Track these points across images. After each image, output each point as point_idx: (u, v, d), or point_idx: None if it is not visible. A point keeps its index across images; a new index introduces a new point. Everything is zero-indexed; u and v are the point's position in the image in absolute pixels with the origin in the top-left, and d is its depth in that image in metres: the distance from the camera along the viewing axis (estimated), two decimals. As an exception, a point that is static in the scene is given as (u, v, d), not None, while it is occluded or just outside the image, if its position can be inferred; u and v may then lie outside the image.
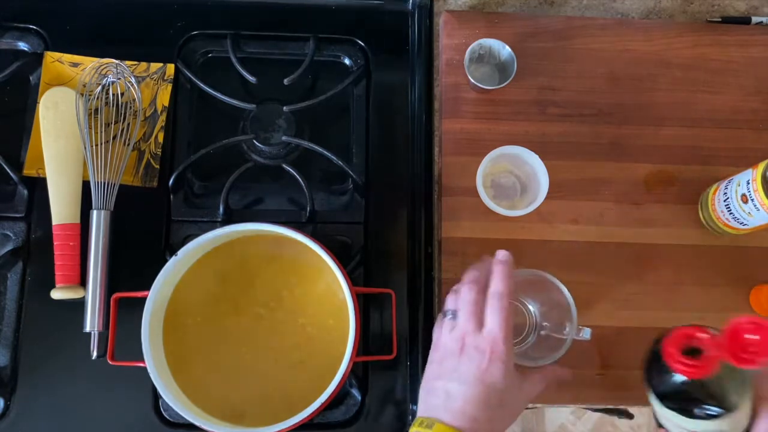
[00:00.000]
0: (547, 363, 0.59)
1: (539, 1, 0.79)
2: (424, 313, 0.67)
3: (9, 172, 0.67)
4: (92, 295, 0.64)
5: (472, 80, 0.70)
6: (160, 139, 0.71)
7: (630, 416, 1.05)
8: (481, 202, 0.67)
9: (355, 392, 0.66)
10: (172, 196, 0.70)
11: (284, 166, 0.71)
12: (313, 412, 0.57)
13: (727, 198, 0.66)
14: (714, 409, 0.46)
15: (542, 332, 0.66)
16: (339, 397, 0.66)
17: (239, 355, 0.63)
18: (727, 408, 0.45)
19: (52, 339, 0.65)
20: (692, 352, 0.44)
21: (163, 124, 0.72)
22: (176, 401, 0.57)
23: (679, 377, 0.46)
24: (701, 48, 0.76)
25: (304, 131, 0.73)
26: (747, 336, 0.42)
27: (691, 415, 0.47)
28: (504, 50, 0.72)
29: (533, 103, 0.73)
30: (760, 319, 0.42)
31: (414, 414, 0.65)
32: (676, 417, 0.48)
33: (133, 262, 0.67)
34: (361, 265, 0.69)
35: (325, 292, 0.65)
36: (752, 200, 0.62)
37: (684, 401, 0.47)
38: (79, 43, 0.73)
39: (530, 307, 0.67)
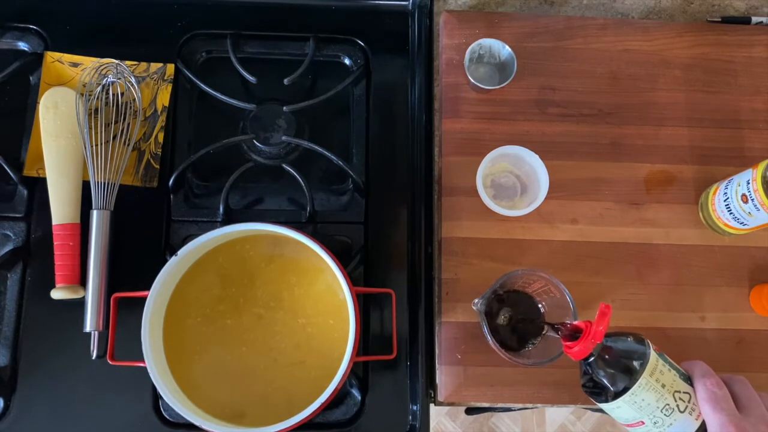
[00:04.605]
0: (545, 363, 0.59)
1: (539, 1, 0.79)
2: (424, 313, 0.67)
3: (9, 172, 0.68)
4: (92, 295, 0.64)
5: (472, 80, 0.70)
6: (160, 139, 0.71)
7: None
8: (481, 202, 0.67)
9: (355, 392, 0.66)
10: (172, 196, 0.70)
11: (284, 166, 0.71)
12: (313, 412, 0.57)
13: (727, 198, 0.66)
14: (610, 390, 0.51)
15: (542, 332, 0.66)
16: (339, 397, 0.66)
17: (239, 355, 0.63)
18: (623, 389, 0.51)
19: (52, 339, 0.65)
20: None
21: (163, 124, 0.72)
22: (176, 401, 0.57)
23: (583, 365, 0.53)
24: (701, 48, 0.76)
25: (304, 131, 0.73)
26: (600, 320, 0.50)
27: (597, 398, 0.53)
28: (504, 50, 0.72)
29: (533, 103, 0.73)
30: (604, 305, 0.50)
31: (414, 414, 0.65)
32: (594, 401, 0.54)
33: (133, 262, 0.67)
34: (361, 265, 0.69)
35: (325, 292, 0.65)
36: (752, 200, 0.62)
37: (592, 386, 0.53)
38: (79, 43, 0.73)
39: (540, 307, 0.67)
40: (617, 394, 0.51)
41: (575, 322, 0.53)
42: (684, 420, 0.50)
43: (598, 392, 0.53)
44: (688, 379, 0.52)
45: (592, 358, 0.52)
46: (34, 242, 0.68)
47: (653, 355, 0.51)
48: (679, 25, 0.77)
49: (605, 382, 0.51)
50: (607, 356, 0.52)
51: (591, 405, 0.60)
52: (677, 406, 0.50)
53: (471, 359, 0.66)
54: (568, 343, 0.52)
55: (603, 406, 0.53)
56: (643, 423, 0.51)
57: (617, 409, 0.52)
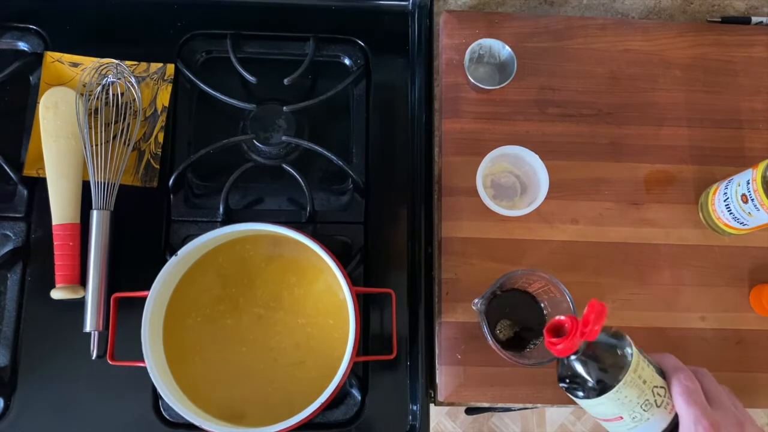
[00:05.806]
0: (545, 363, 0.59)
1: (539, 1, 0.79)
2: (424, 313, 0.67)
3: (9, 172, 0.68)
4: (92, 295, 0.64)
5: (472, 80, 0.70)
6: (160, 139, 0.71)
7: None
8: (481, 202, 0.67)
9: (355, 392, 0.66)
10: (172, 196, 0.70)
11: (284, 166, 0.71)
12: (313, 412, 0.57)
13: (727, 198, 0.66)
14: (594, 388, 0.50)
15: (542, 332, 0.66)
16: (339, 397, 0.66)
17: (239, 355, 0.63)
18: (607, 386, 0.50)
19: (52, 339, 0.65)
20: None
21: (163, 124, 0.72)
22: (176, 401, 0.57)
23: (565, 361, 0.52)
24: (701, 48, 0.76)
25: (304, 131, 0.73)
26: (590, 317, 0.48)
27: (578, 395, 0.52)
28: (504, 50, 0.72)
29: (533, 103, 0.73)
30: (598, 302, 0.48)
31: (414, 414, 0.65)
32: (572, 397, 0.53)
33: (133, 262, 0.67)
34: (361, 265, 0.69)
35: (325, 292, 0.65)
36: (752, 200, 0.62)
37: (573, 383, 0.52)
38: (79, 43, 0.73)
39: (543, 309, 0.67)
40: (602, 391, 0.50)
41: (559, 318, 0.51)
42: (659, 414, 0.50)
43: (576, 388, 0.52)
44: (662, 372, 0.52)
45: (575, 356, 0.51)
46: (34, 242, 0.68)
47: (635, 351, 0.51)
48: (679, 25, 0.77)
49: (590, 379, 0.51)
50: (592, 353, 0.51)
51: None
52: (655, 401, 0.50)
53: (471, 359, 0.66)
54: (552, 340, 0.51)
55: (583, 402, 0.52)
56: (621, 418, 0.51)
57: (599, 405, 0.51)
